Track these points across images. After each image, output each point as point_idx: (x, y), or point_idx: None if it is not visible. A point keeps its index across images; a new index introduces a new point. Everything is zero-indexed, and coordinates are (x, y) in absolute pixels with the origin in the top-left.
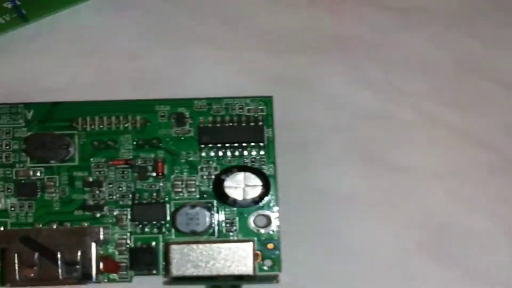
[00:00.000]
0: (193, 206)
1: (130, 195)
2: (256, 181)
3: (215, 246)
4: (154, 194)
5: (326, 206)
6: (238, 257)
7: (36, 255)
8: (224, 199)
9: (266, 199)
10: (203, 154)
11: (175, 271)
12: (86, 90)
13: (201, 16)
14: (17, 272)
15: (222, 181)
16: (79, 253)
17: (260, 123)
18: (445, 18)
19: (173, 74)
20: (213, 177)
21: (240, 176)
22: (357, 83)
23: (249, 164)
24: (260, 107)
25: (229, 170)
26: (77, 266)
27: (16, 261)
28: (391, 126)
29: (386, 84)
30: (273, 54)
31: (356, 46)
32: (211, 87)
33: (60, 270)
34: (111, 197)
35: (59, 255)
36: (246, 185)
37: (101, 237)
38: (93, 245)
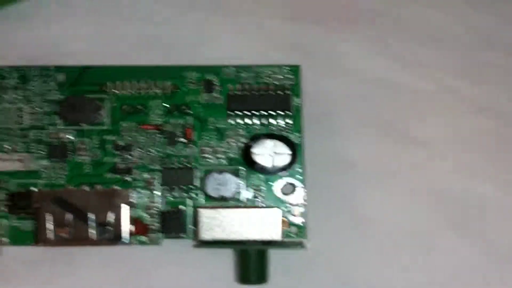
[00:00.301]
0: (221, 172)
1: (160, 160)
2: (284, 149)
3: (243, 211)
4: (183, 159)
5: (348, 175)
6: (266, 223)
7: (69, 215)
8: (252, 166)
9: (294, 166)
10: (231, 121)
11: (204, 234)
12: (115, 55)
13: None
14: (50, 231)
15: (251, 147)
16: (111, 215)
17: (288, 92)
18: None
19: (198, 41)
20: (239, 144)
21: (269, 143)
22: (380, 55)
23: (277, 132)
24: (288, 76)
25: (257, 138)
26: (109, 228)
27: (49, 221)
28: (407, 97)
29: (405, 56)
30: (298, 24)
31: (379, 19)
32: (237, 55)
33: (92, 231)
34: (140, 161)
35: (91, 216)
36: (275, 153)
37: (132, 200)
38: (125, 207)
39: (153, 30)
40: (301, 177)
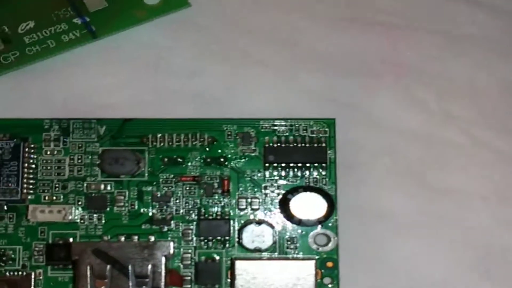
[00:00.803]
0: (259, 223)
1: (197, 211)
2: (321, 201)
3: (278, 263)
4: (219, 210)
5: (380, 226)
6: (301, 275)
7: (108, 267)
8: (289, 218)
9: (330, 219)
10: (267, 174)
11: (240, 286)
12: (150, 107)
13: (258, 38)
14: (89, 283)
15: (288, 200)
16: (149, 267)
17: (323, 144)
18: (489, 44)
19: (233, 95)
20: (276, 195)
21: (306, 195)
22: (407, 107)
23: (311, 184)
24: (323, 129)
25: (295, 190)
26: (147, 280)
27: (88, 273)
28: (439, 148)
29: (435, 108)
30: (328, 77)
31: (406, 71)
32: (271, 108)
33: (130, 283)
34: (178, 212)
35: (130, 268)
36: (312, 205)
37: (171, 251)
38: (163, 258)
39: (191, 83)
40: (335, 228)
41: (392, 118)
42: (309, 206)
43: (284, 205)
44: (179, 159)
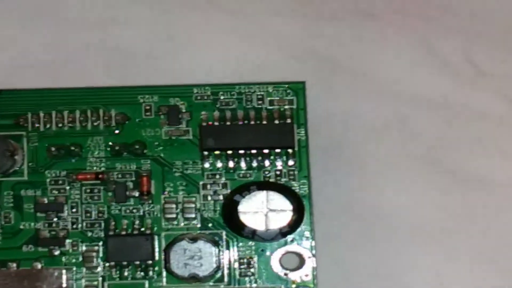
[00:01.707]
0: (194, 240)
1: (103, 224)
2: (284, 203)
3: None
4: (137, 222)
5: (376, 234)
6: None
7: None
8: (238, 230)
9: (300, 229)
10: (207, 165)
11: None
12: (37, 73)
13: None
14: None
15: (236, 203)
16: None
17: (289, 120)
18: None
19: (161, 50)
20: (221, 198)
21: (261, 196)
22: (419, 61)
23: (273, 179)
24: (288, 98)
25: (245, 188)
26: None
27: None
28: (465, 120)
29: (461, 63)
30: (301, 21)
31: (419, 10)
32: (216, 69)
33: None
34: (75, 226)
35: None
36: (270, 210)
37: (64, 284)
38: None
39: (92, 35)
40: (310, 243)
41: (396, 79)
42: (268, 211)
43: (230, 211)
44: (74, 148)
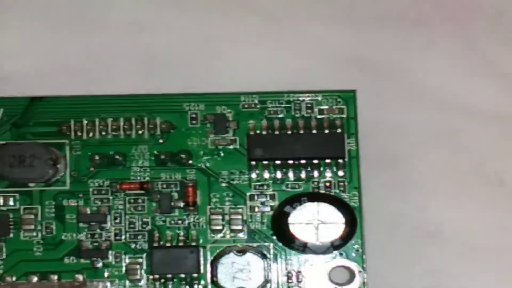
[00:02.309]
0: (242, 252)
1: (147, 235)
2: (336, 216)
3: None
4: (182, 233)
5: (426, 250)
6: None
7: None
8: (288, 242)
9: (350, 242)
10: (254, 175)
11: None
12: (78, 80)
13: None
14: None
15: (286, 215)
16: None
17: (339, 130)
18: None
19: (204, 56)
20: (269, 209)
21: (313, 208)
22: (474, 70)
23: (323, 191)
24: (338, 106)
25: (296, 200)
26: None
27: None
28: None
29: None
30: (348, 27)
31: (469, 17)
32: (261, 77)
33: None
34: (118, 237)
35: None
36: (321, 222)
37: None
38: None
39: (135, 41)
40: (360, 258)
41: (449, 91)
42: (319, 223)
43: (280, 223)
44: (118, 157)
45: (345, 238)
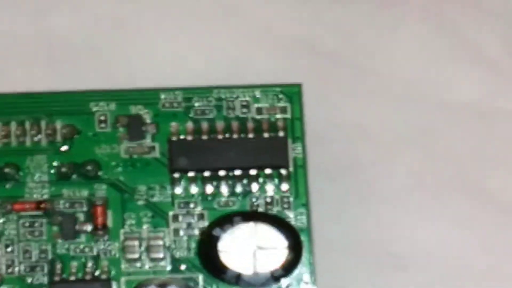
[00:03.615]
0: (163, 286)
1: (46, 267)
2: (277, 239)
3: None
4: (90, 264)
5: (394, 279)
6: None
7: None
8: (218, 273)
9: (297, 272)
10: (178, 190)
11: None
12: None
13: None
14: None
15: (215, 240)
16: None
17: (282, 133)
18: None
19: (114, 45)
20: (197, 232)
21: (248, 230)
22: (452, 56)
23: (263, 209)
24: (280, 104)
25: (227, 221)
26: None
27: None
28: (505, 131)
29: (500, 57)
30: (295, 6)
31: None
32: (185, 69)
33: None
34: (10, 270)
35: None
36: (259, 248)
37: None
38: None
39: (32, 24)
40: None
41: (421, 82)
42: (256, 249)
43: (209, 250)
44: (8, 170)
45: (289, 267)
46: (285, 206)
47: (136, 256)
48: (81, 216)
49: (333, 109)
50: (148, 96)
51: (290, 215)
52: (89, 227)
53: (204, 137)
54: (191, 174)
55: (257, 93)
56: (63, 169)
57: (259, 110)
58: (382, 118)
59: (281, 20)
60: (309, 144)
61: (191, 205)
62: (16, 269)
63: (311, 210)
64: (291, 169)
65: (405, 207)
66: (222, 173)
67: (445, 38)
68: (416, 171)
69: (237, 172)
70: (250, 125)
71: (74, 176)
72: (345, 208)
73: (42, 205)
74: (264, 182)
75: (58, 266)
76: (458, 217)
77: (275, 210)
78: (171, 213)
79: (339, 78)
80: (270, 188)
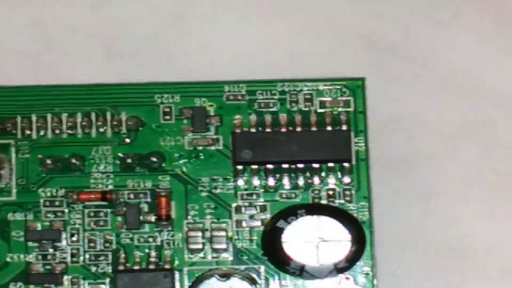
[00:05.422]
0: (225, 277)
1: (110, 256)
2: (340, 232)
3: None
4: (153, 254)
5: (453, 273)
6: None
7: None
8: (282, 264)
9: (358, 264)
10: (241, 182)
11: None
12: (19, 66)
13: None
14: None
15: (280, 231)
16: None
17: (344, 127)
18: None
19: (178, 38)
20: (260, 224)
21: (312, 222)
22: (505, 45)
23: (325, 201)
24: (344, 98)
25: (291, 213)
26: None
27: None
28: None
29: None
30: (362, 1)
31: None
32: (249, 62)
33: None
34: (75, 259)
35: None
36: (322, 240)
37: None
38: None
39: (96, 17)
40: (371, 283)
41: (481, 75)
42: (320, 241)
43: (273, 241)
44: (74, 161)
45: (352, 259)
46: (347, 199)
47: (199, 246)
48: (145, 207)
49: (394, 103)
50: (212, 89)
51: (352, 208)
52: (153, 218)
53: (268, 130)
54: (254, 166)
55: (321, 87)
56: (128, 160)
57: (322, 104)
58: (443, 112)
59: (344, 14)
60: (371, 138)
61: (254, 197)
62: (81, 258)
63: (372, 204)
64: (353, 162)
65: (465, 202)
66: (284, 166)
67: (504, 31)
68: (477, 165)
69: (300, 165)
70: (313, 118)
71: (138, 168)
72: (406, 201)
73: (107, 196)
74: (327, 175)
75: (122, 256)
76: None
77: (337, 203)
78: (234, 205)
79: (400, 72)
80: (332, 181)
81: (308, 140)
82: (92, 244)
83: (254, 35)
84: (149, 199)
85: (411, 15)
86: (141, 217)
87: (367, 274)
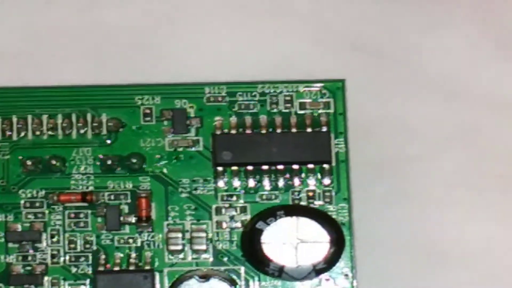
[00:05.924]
0: (205, 278)
1: (91, 257)
2: (319, 233)
3: None
4: (133, 254)
5: (435, 274)
6: None
7: None
8: (261, 265)
9: (337, 265)
10: (221, 183)
11: None
12: (6, 67)
13: None
14: None
15: (259, 233)
16: None
17: (324, 128)
18: None
19: (159, 40)
20: (239, 225)
21: (291, 224)
22: (497, 52)
23: (305, 203)
24: (324, 99)
25: (270, 214)
26: None
27: None
28: None
29: None
30: (338, 2)
31: None
32: (229, 65)
33: None
34: (56, 260)
35: None
36: (301, 241)
37: None
38: None
39: (79, 19)
40: (350, 285)
41: (466, 78)
42: (299, 242)
43: (252, 242)
44: (55, 162)
45: (330, 261)
46: (327, 200)
47: (179, 247)
48: (125, 208)
49: (377, 105)
50: (193, 91)
51: (332, 209)
52: (133, 219)
53: (248, 131)
54: (234, 168)
55: (301, 88)
56: (108, 162)
57: (302, 105)
58: (427, 115)
59: (326, 15)
60: (352, 140)
61: (234, 198)
62: (61, 259)
63: (352, 205)
64: (333, 164)
65: (449, 205)
66: (264, 167)
67: (491, 35)
68: (461, 168)
69: (280, 167)
70: (293, 120)
71: (118, 169)
72: (388, 203)
73: (88, 197)
74: (307, 177)
75: (102, 257)
76: (504, 215)
77: (316, 204)
78: (214, 206)
79: (384, 74)
80: (312, 183)
81: (288, 142)
82: (72, 245)
83: (235, 37)
84: (129, 200)
85: (397, 18)
86: (122, 218)
87: (347, 275)
